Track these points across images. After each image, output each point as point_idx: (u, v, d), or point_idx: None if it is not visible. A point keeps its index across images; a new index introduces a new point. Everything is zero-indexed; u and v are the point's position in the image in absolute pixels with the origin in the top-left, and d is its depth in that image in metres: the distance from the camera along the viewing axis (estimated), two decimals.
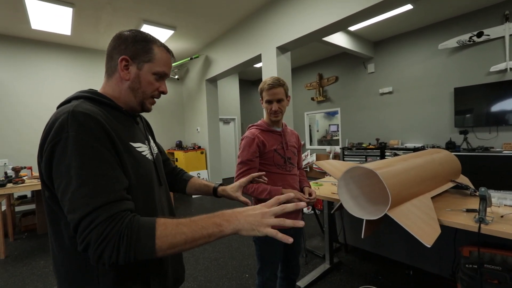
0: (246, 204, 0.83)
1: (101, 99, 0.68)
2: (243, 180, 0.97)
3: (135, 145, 0.70)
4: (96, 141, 0.57)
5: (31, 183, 3.05)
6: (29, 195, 4.12)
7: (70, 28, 4.29)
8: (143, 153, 0.72)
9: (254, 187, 1.32)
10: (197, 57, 5.52)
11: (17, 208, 4.24)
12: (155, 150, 0.84)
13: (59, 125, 0.56)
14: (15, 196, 3.97)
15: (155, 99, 0.77)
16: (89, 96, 0.67)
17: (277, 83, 1.35)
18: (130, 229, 0.53)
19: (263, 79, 4.03)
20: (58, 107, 0.65)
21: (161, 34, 4.66)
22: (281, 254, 1.45)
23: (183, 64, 6.24)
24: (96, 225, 0.51)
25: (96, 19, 4.11)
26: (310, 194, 1.42)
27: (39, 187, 3.07)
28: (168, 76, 0.77)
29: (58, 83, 4.99)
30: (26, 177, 3.37)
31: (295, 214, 1.45)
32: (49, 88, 4.90)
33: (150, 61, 0.71)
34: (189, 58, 5.46)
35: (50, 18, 3.90)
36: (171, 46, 5.39)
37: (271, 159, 1.38)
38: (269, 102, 1.37)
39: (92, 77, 5.33)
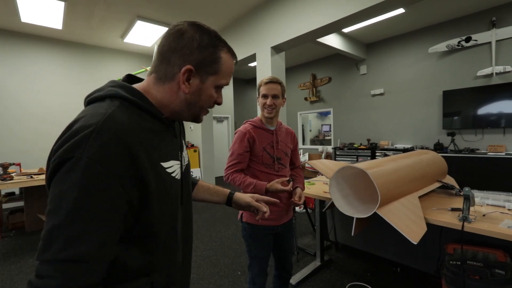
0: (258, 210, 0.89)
1: (143, 105, 0.58)
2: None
3: (165, 165, 0.61)
4: (108, 175, 0.48)
5: (20, 180, 2.99)
6: (17, 192, 4.04)
7: (62, 22, 4.21)
8: (172, 174, 0.64)
9: (241, 180, 1.36)
10: None
11: (5, 205, 4.14)
12: (186, 160, 0.74)
13: (79, 140, 0.47)
14: (3, 193, 3.88)
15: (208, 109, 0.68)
16: (129, 98, 0.56)
17: (276, 80, 1.42)
18: None
19: (258, 78, 4.07)
20: (88, 101, 0.57)
21: (156, 31, 4.62)
22: (269, 250, 1.47)
23: None
24: (49, 284, 0.45)
25: (88, 14, 4.04)
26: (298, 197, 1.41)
27: (27, 184, 3.01)
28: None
29: (49, 78, 4.88)
30: (14, 173, 3.29)
31: (287, 209, 1.48)
32: (39, 82, 4.79)
33: (215, 73, 0.62)
34: None
35: (40, 11, 3.81)
36: None
37: (260, 157, 1.40)
38: (264, 96, 1.41)
39: (84, 73, 5.23)
